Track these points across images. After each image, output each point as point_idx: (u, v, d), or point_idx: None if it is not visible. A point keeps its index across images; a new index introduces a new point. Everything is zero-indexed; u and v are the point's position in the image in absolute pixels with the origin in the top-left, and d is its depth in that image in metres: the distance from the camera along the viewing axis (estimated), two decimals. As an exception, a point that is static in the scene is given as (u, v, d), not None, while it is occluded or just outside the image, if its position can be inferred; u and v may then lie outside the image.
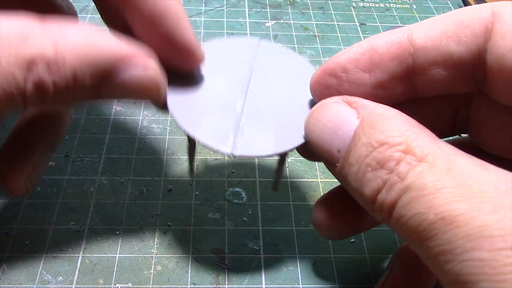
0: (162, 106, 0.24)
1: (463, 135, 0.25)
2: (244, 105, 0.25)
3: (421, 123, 0.19)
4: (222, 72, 0.26)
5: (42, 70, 0.19)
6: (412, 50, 0.21)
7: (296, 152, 0.34)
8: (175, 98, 0.25)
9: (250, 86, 0.26)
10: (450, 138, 0.26)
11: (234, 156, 0.23)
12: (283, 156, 0.26)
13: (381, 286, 0.25)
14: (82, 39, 0.20)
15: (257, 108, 0.25)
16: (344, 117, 0.20)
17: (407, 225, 0.17)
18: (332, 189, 0.26)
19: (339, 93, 0.22)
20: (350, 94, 0.22)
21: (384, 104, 0.20)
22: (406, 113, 0.20)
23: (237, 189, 0.32)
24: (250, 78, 0.26)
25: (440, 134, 0.25)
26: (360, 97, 0.21)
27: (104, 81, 0.21)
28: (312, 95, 0.24)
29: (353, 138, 0.19)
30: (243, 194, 0.32)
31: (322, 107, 0.21)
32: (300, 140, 0.24)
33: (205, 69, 0.26)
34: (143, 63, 0.22)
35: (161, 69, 0.23)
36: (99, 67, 0.20)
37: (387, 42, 0.22)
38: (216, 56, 0.27)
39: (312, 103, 0.25)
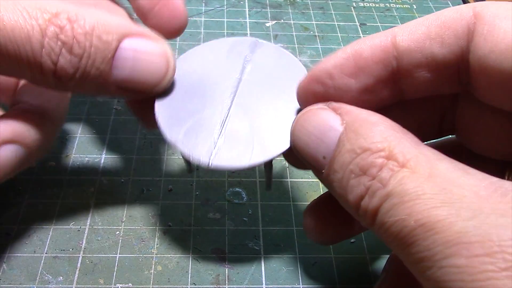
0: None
1: (451, 136, 0.25)
2: (230, 112, 0.25)
3: (408, 126, 0.20)
4: (213, 75, 0.26)
5: (64, 20, 0.22)
6: (396, 53, 0.21)
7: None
8: (162, 104, 0.25)
9: (239, 91, 0.26)
10: (439, 139, 0.26)
11: (210, 168, 0.23)
12: (268, 162, 0.25)
13: None
14: (100, 11, 0.23)
15: (242, 115, 0.25)
16: (329, 123, 0.20)
17: (389, 231, 0.17)
18: (321, 195, 0.26)
19: (325, 99, 0.22)
20: (336, 100, 0.22)
21: (370, 108, 0.21)
22: (392, 117, 0.20)
23: (237, 189, 0.32)
24: (240, 82, 0.26)
25: (428, 136, 0.25)
26: (346, 102, 0.21)
27: (118, 45, 0.23)
28: (298, 102, 0.24)
29: (337, 145, 0.20)
30: (243, 194, 0.32)
31: (307, 114, 0.22)
32: (280, 150, 0.23)
33: (197, 71, 0.26)
34: (155, 38, 0.24)
35: (172, 53, 0.24)
36: (115, 30, 0.23)
37: (371, 46, 0.21)
38: (209, 58, 0.27)
39: (299, 110, 0.24)
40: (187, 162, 0.27)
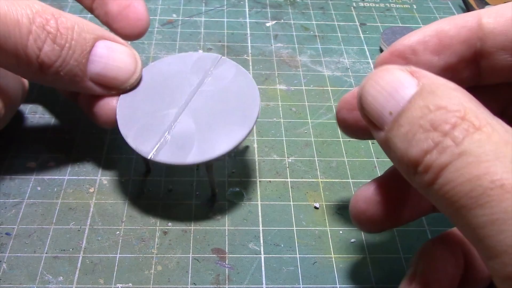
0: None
1: None
2: (180, 116, 0.28)
3: None
4: (174, 83, 0.30)
5: (50, 15, 0.26)
6: (481, 34, 0.21)
7: (297, 152, 0.34)
8: (123, 103, 0.29)
9: (194, 100, 0.29)
10: None
11: (149, 159, 0.27)
12: (208, 166, 0.29)
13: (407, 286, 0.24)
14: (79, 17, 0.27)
15: (191, 121, 0.28)
16: (404, 82, 0.20)
17: (455, 190, 0.16)
18: (373, 179, 0.25)
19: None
20: None
21: None
22: None
23: (237, 189, 0.32)
24: (196, 92, 0.29)
25: None
26: None
27: (94, 44, 0.27)
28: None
29: (409, 101, 0.19)
30: (243, 194, 0.32)
31: (383, 71, 0.21)
32: (216, 155, 0.27)
33: (161, 78, 0.30)
34: (125, 42, 0.29)
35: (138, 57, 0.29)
36: (92, 31, 0.27)
37: (457, 25, 0.22)
38: (174, 68, 0.31)
39: (244, 123, 0.28)
40: (145, 162, 0.32)
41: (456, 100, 0.18)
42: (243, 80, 0.30)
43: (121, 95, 0.29)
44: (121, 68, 0.28)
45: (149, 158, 0.27)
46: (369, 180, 0.25)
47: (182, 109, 0.28)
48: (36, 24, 0.25)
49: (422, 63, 0.22)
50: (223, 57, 0.31)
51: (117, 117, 0.29)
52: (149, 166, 0.32)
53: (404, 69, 0.20)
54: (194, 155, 0.27)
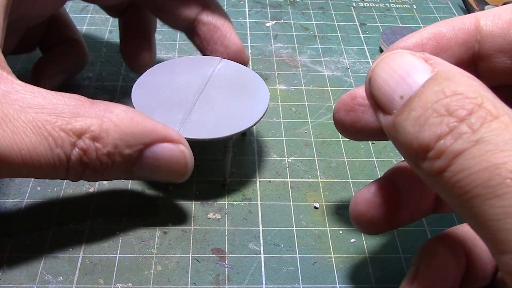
0: None
1: None
2: (196, 103, 0.30)
3: None
4: (184, 79, 0.32)
5: (88, 142, 0.23)
6: (479, 37, 0.21)
7: (297, 152, 0.34)
8: (138, 94, 0.31)
9: (205, 90, 0.31)
10: None
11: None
12: (227, 148, 0.31)
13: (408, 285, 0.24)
14: (124, 116, 0.24)
15: (205, 106, 0.30)
16: (417, 67, 0.19)
17: (469, 179, 0.16)
18: (372, 181, 0.25)
19: None
20: None
21: None
22: None
23: (237, 189, 0.32)
24: (205, 85, 0.32)
25: None
26: None
27: (139, 155, 0.25)
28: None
29: (423, 86, 0.18)
30: (243, 194, 0.32)
31: (396, 54, 0.20)
32: (230, 133, 0.29)
33: (172, 75, 0.32)
34: (176, 139, 0.26)
35: (191, 154, 0.26)
36: (137, 142, 0.24)
37: (455, 28, 0.22)
38: (182, 67, 0.33)
39: (260, 101, 0.31)
40: None
41: (473, 88, 0.17)
42: (245, 71, 0.33)
43: (133, 90, 0.31)
44: (168, 174, 0.26)
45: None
46: (369, 180, 0.25)
47: (196, 97, 0.31)
48: (72, 161, 0.23)
49: None
50: (224, 59, 0.34)
51: (134, 106, 0.30)
52: None
53: (418, 55, 0.20)
54: (221, 130, 0.29)
